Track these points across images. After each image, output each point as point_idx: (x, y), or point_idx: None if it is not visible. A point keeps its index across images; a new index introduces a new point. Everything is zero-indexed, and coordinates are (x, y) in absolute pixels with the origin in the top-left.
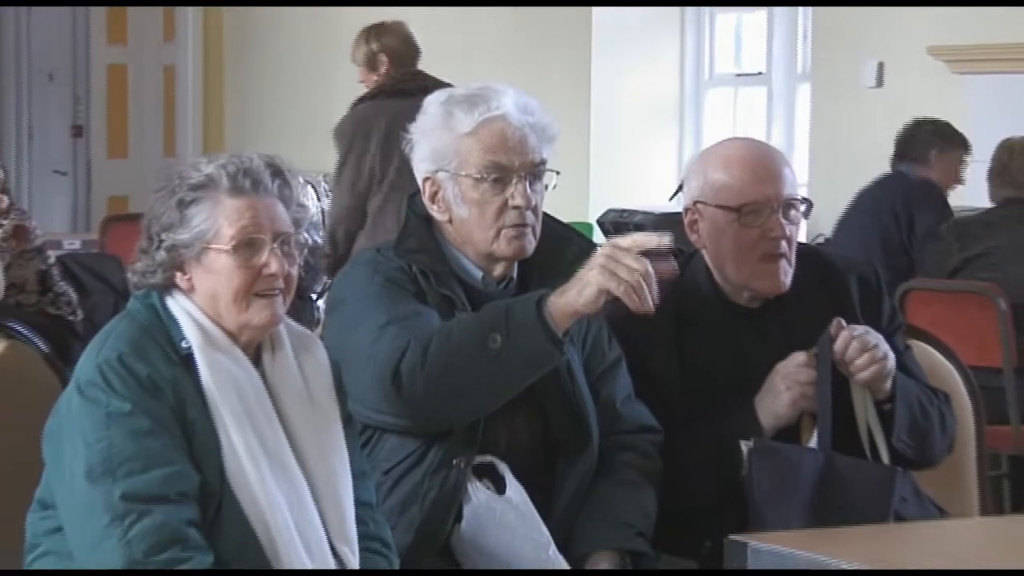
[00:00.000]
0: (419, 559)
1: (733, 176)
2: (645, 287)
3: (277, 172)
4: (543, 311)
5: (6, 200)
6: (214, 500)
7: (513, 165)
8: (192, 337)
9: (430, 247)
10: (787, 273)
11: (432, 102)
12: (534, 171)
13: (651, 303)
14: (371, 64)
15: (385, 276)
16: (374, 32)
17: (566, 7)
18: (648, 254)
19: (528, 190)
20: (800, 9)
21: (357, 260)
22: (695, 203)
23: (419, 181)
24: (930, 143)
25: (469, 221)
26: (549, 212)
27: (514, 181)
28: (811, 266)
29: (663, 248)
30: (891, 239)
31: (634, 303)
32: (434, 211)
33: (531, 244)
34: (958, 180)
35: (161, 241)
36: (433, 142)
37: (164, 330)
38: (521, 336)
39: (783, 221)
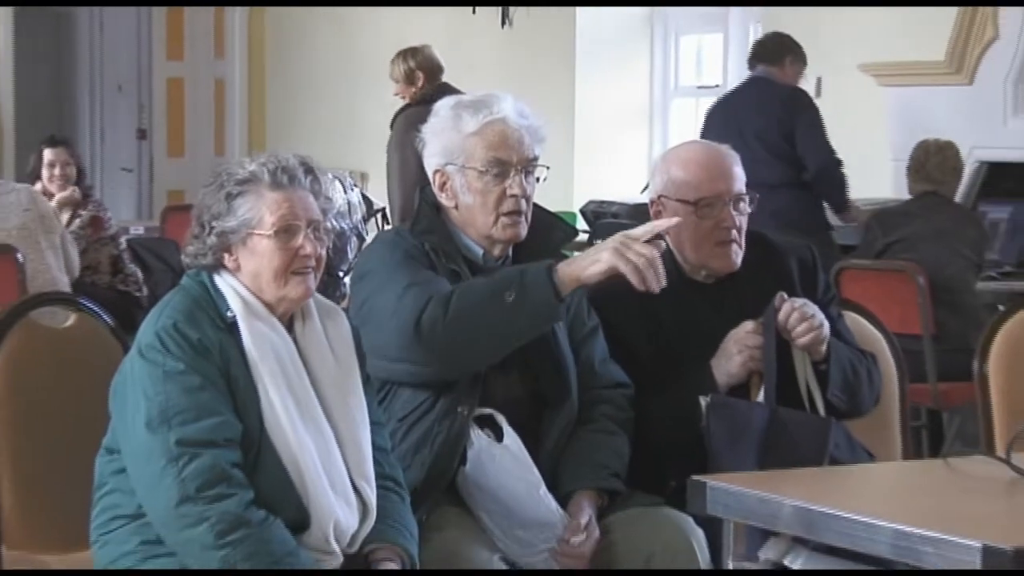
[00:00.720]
0: (429, 495)
1: (691, 174)
2: (652, 270)
3: (309, 170)
4: (553, 273)
5: (77, 191)
6: (254, 445)
7: (511, 160)
8: (236, 308)
9: (439, 229)
10: (738, 255)
11: (442, 106)
12: (528, 166)
13: (655, 284)
14: (409, 79)
15: (404, 251)
16: (410, 53)
17: (554, 26)
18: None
19: (523, 182)
20: (751, 30)
21: (379, 239)
22: (659, 197)
23: (429, 173)
24: (783, 50)
25: (473, 207)
26: (538, 202)
27: (512, 174)
28: (758, 249)
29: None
30: (770, 134)
31: (638, 282)
32: (442, 199)
33: (524, 229)
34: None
35: (211, 228)
36: (443, 140)
37: (212, 302)
38: (533, 291)
39: (734, 212)
